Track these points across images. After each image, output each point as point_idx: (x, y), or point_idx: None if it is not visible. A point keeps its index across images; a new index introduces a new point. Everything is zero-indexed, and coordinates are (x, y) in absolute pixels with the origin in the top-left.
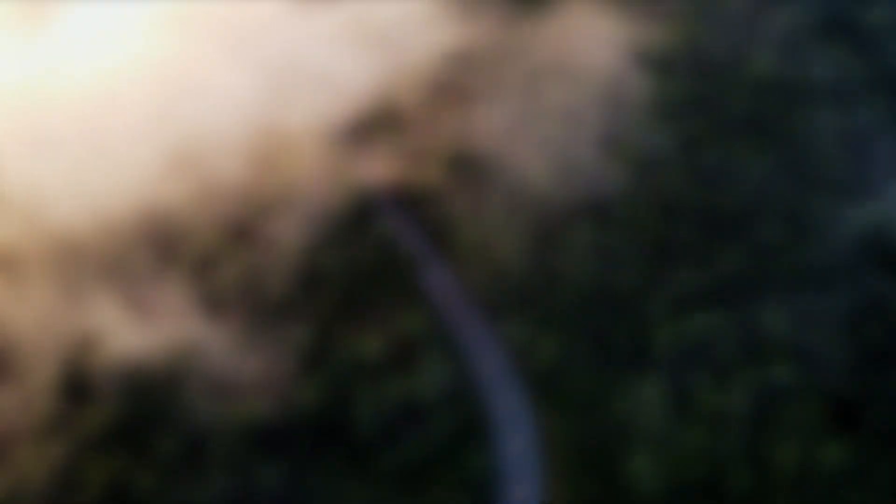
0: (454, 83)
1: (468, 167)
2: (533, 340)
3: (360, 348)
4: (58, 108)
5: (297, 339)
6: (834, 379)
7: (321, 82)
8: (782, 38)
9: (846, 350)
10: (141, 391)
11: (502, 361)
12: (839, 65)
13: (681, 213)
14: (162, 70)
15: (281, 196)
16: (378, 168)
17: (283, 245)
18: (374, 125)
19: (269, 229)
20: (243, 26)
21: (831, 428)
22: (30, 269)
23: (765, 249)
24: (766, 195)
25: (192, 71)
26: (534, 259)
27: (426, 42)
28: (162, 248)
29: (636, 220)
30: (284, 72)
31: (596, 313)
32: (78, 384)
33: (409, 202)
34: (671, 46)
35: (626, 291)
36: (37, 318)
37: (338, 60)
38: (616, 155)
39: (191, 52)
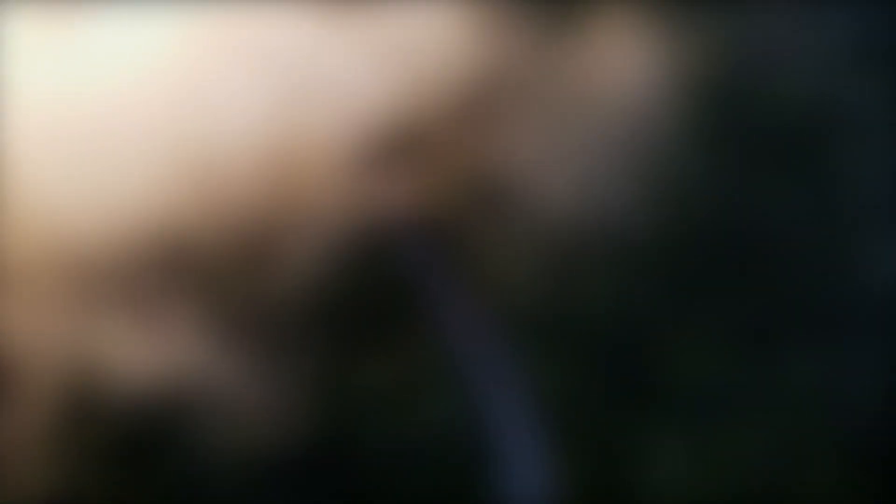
0: (479, 104)
1: (489, 193)
2: (548, 376)
3: (367, 379)
4: (72, 122)
5: (303, 367)
6: (865, 434)
7: (341, 100)
8: (822, 64)
9: (880, 403)
10: (144, 414)
11: (515, 397)
12: (881, 94)
13: (707, 247)
14: (177, 85)
15: (295, 218)
16: (396, 192)
17: (295, 269)
18: (395, 147)
19: (281, 252)
20: (262, 41)
21: (860, 487)
22: (38, 282)
23: (795, 289)
24: (799, 231)
25: (207, 86)
26: (552, 290)
27: (451, 61)
28: (172, 267)
29: (660, 253)
30: (303, 89)
31: (613, 349)
32: (80, 404)
33: (428, 228)
34: (706, 71)
35: (646, 327)
36: (42, 332)
37: (358, 77)
38: (642, 183)
39: (207, 67)
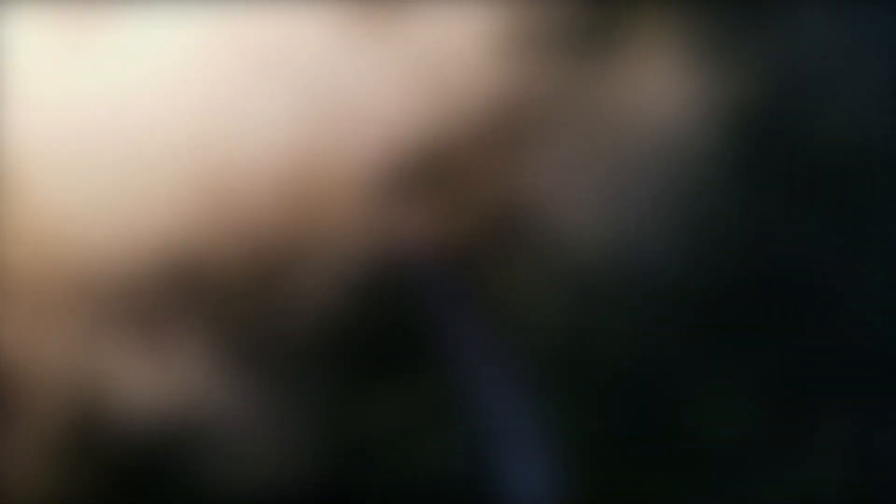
0: (506, 129)
1: (511, 223)
2: (564, 416)
3: (378, 412)
4: (81, 132)
5: (313, 397)
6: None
7: (364, 121)
8: (865, 97)
9: None
10: (148, 440)
11: (530, 436)
12: None
13: (737, 289)
14: (193, 96)
15: (311, 242)
16: (416, 219)
17: (309, 296)
18: (417, 171)
19: (295, 277)
20: (284, 53)
21: None
22: (44, 299)
23: (829, 337)
24: (835, 275)
25: (225, 99)
26: (573, 327)
27: (481, 83)
28: (182, 289)
29: (687, 293)
30: (326, 106)
31: (634, 392)
32: (84, 427)
33: (446, 258)
34: (742, 102)
35: (669, 371)
36: (47, 352)
37: (384, 97)
38: (672, 219)
39: (225, 78)
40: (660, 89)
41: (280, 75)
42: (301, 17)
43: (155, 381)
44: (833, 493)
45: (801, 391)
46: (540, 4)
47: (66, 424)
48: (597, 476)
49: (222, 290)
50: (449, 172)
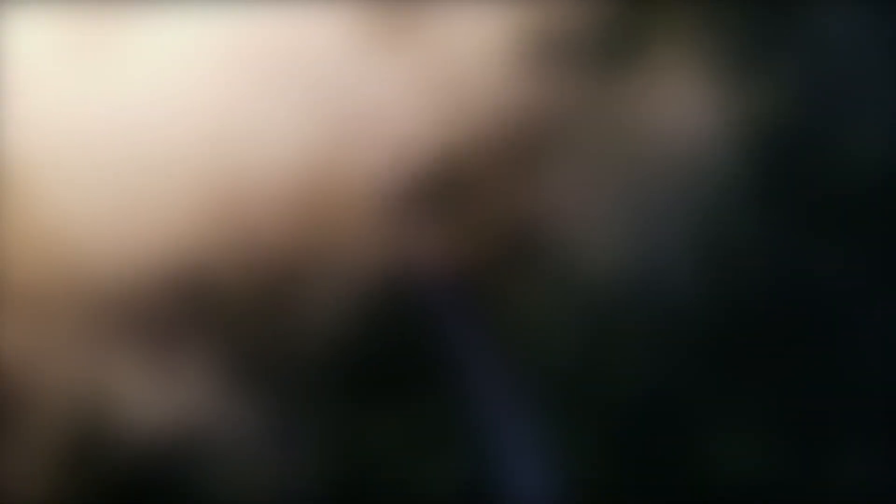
0: (523, 148)
1: (525, 245)
2: (573, 445)
3: (385, 433)
4: (90, 139)
5: (319, 417)
6: None
7: (379, 135)
8: (894, 118)
9: None
10: (149, 458)
11: (537, 464)
12: None
13: (757, 321)
14: (203, 105)
15: (320, 259)
16: (428, 238)
17: (317, 315)
18: (431, 189)
19: (303, 295)
20: (299, 61)
21: None
22: (45, 311)
23: (853, 375)
24: (863, 310)
25: (238, 107)
26: (585, 354)
27: (498, 96)
28: (188, 303)
29: (705, 322)
30: (339, 116)
31: (646, 423)
32: (85, 442)
33: (458, 280)
34: (769, 123)
35: (682, 403)
36: (49, 365)
37: (399, 112)
38: (691, 244)
39: (239, 86)
40: (682, 106)
41: (293, 84)
42: (315, 23)
43: (159, 394)
44: None
45: (821, 427)
46: (562, 16)
47: (68, 437)
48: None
49: (229, 304)
50: (464, 188)
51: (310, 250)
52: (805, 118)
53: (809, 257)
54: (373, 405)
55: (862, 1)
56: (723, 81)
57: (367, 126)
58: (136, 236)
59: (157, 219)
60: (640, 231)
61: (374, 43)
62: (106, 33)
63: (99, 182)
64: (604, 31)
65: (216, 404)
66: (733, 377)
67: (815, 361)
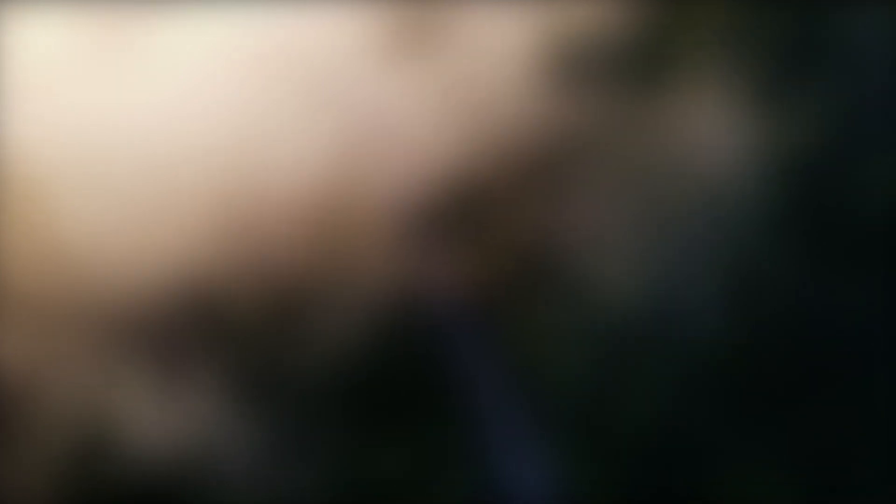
0: (544, 165)
1: (542, 271)
2: (585, 478)
3: (392, 459)
4: (104, 150)
5: (326, 441)
6: None
7: (397, 149)
8: None
9: None
10: (152, 478)
11: (545, 488)
12: None
13: (780, 355)
14: (222, 116)
15: (333, 281)
16: (444, 262)
17: (327, 337)
18: (449, 210)
19: (314, 317)
20: (318, 75)
21: None
22: (54, 323)
23: (867, 413)
24: (880, 344)
25: (255, 120)
26: (600, 384)
27: (519, 115)
28: (196, 319)
29: (725, 356)
30: (356, 133)
31: (660, 458)
32: (88, 459)
33: (473, 306)
34: (796, 146)
35: (698, 439)
36: (54, 379)
37: (417, 127)
38: (714, 274)
39: (253, 99)
40: (708, 128)
41: (310, 95)
42: (333, 33)
43: (164, 411)
44: None
45: (841, 465)
46: (587, 30)
47: (72, 452)
48: None
49: (238, 322)
50: (481, 207)
51: (322, 268)
52: (835, 144)
53: (836, 289)
54: (383, 427)
55: (894, 25)
56: (751, 104)
57: (385, 141)
58: (145, 248)
59: (167, 231)
60: (661, 257)
61: (395, 54)
62: (116, 37)
63: (107, 191)
64: (630, 47)
65: (222, 423)
66: (750, 412)
67: (837, 398)
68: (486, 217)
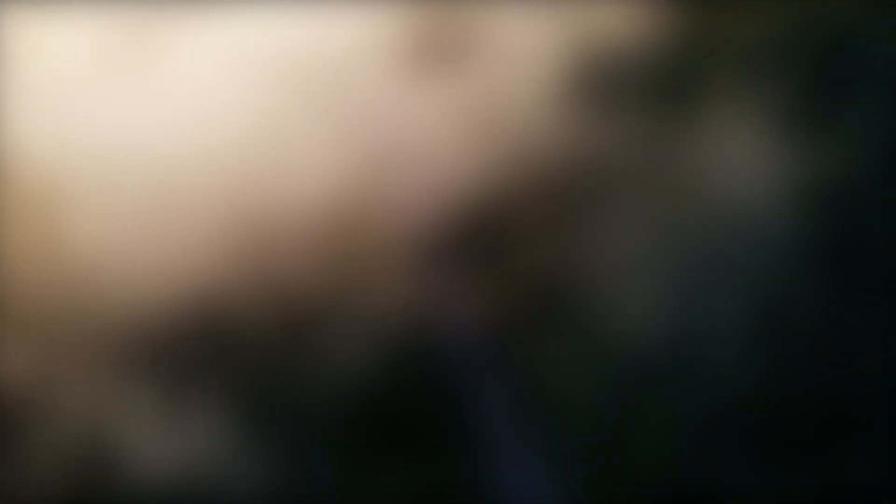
0: (567, 192)
1: (560, 301)
2: None
3: (398, 486)
4: (116, 161)
5: (331, 467)
6: None
7: (415, 171)
8: None
9: None
10: (157, 499)
11: None
12: None
13: (797, 391)
14: (240, 129)
15: (343, 301)
16: (459, 287)
17: (336, 361)
18: (466, 234)
19: (324, 340)
20: (340, 90)
21: None
22: (56, 339)
23: None
24: None
25: (266, 136)
26: (614, 419)
27: (545, 138)
28: (202, 339)
29: (743, 396)
30: (374, 153)
31: (669, 496)
32: (90, 480)
33: (486, 332)
34: (831, 181)
35: (715, 485)
36: (56, 395)
37: (438, 148)
38: (738, 310)
39: (274, 112)
40: (737, 160)
41: (328, 111)
42: (354, 50)
43: (166, 434)
44: None
45: None
46: (616, 51)
47: (72, 473)
48: None
49: (246, 343)
50: (500, 235)
51: (334, 290)
52: (871, 179)
53: (869, 326)
54: (391, 454)
55: None
56: (785, 127)
57: (404, 158)
58: (153, 263)
59: (177, 246)
60: (684, 288)
61: (417, 67)
62: (129, 42)
63: (115, 203)
64: (660, 65)
65: (226, 448)
66: (771, 453)
67: (867, 442)
68: (504, 241)
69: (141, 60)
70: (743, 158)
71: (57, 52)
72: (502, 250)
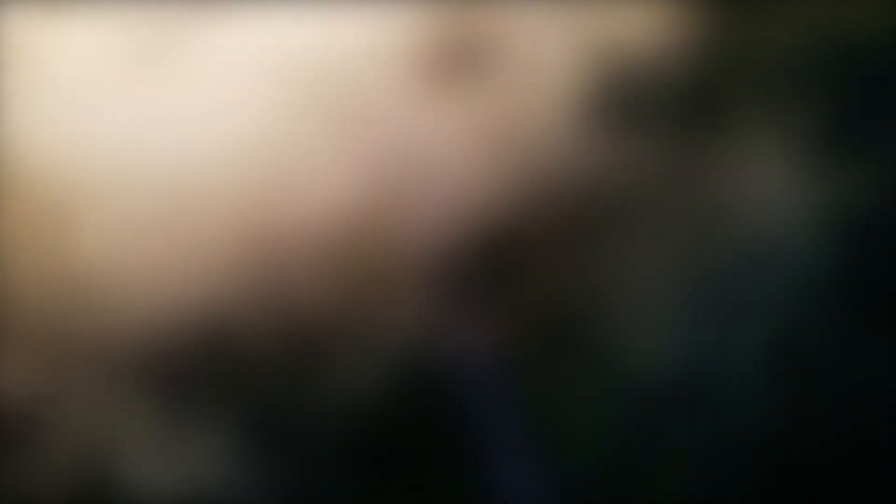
0: (586, 216)
1: (577, 326)
2: None
3: None
4: (115, 170)
5: (334, 492)
6: None
7: (431, 189)
8: None
9: None
10: None
11: None
12: None
13: (820, 431)
14: (254, 147)
15: (352, 324)
16: (472, 309)
17: (343, 384)
18: (480, 255)
19: (331, 362)
20: (357, 106)
21: None
22: (61, 355)
23: None
24: None
25: (283, 149)
26: (625, 455)
27: (565, 158)
28: (207, 358)
29: (761, 435)
30: (389, 171)
31: None
32: (89, 499)
33: (498, 358)
34: (860, 210)
35: None
36: (58, 414)
37: (454, 167)
38: (757, 339)
39: (286, 127)
40: (762, 185)
41: (342, 127)
42: (370, 64)
43: (168, 453)
44: None
45: None
46: (638, 70)
47: (72, 491)
48: None
49: (252, 363)
50: (515, 259)
51: (341, 312)
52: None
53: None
54: (396, 481)
55: None
56: (814, 157)
57: (417, 179)
58: (158, 278)
59: (184, 262)
60: (705, 325)
61: (433, 83)
62: (138, 45)
63: (119, 215)
64: (685, 87)
65: (230, 467)
66: (790, 497)
67: (891, 488)
68: (519, 265)
69: (151, 64)
70: (768, 183)
71: (65, 55)
72: (516, 274)
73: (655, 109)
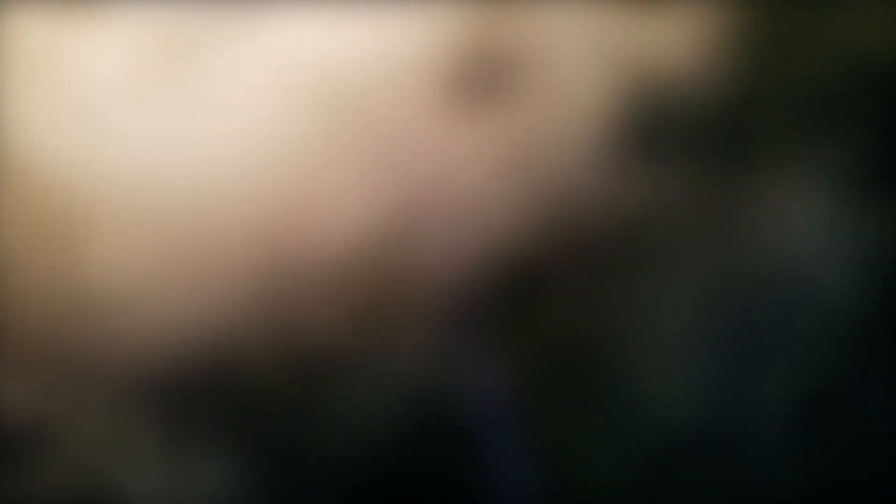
0: (614, 250)
1: (594, 366)
2: None
3: None
4: (124, 186)
5: None
6: None
7: (448, 218)
8: None
9: None
10: None
11: None
12: None
13: (846, 486)
14: (272, 168)
15: (364, 355)
16: (487, 345)
17: (350, 417)
18: (497, 287)
19: (338, 394)
20: (377, 128)
21: None
22: (64, 376)
23: None
24: None
25: (300, 178)
26: (639, 498)
27: (592, 189)
28: (212, 385)
29: (783, 486)
30: (409, 197)
31: None
32: None
33: (511, 395)
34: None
35: None
36: (60, 434)
37: (475, 194)
38: (783, 385)
39: (304, 156)
40: (796, 227)
41: (359, 153)
42: (396, 87)
43: (172, 479)
44: None
45: None
46: (668, 105)
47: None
48: None
49: (258, 391)
50: (531, 294)
51: (353, 343)
52: None
53: None
54: None
55: None
56: (850, 200)
57: (434, 207)
58: (166, 300)
59: (191, 286)
60: (729, 369)
61: (456, 105)
62: (145, 54)
63: (127, 237)
64: (718, 118)
65: (232, 493)
66: None
67: None
68: (536, 299)
69: (163, 70)
70: (801, 221)
71: (75, 60)
72: (534, 307)
73: (686, 139)
